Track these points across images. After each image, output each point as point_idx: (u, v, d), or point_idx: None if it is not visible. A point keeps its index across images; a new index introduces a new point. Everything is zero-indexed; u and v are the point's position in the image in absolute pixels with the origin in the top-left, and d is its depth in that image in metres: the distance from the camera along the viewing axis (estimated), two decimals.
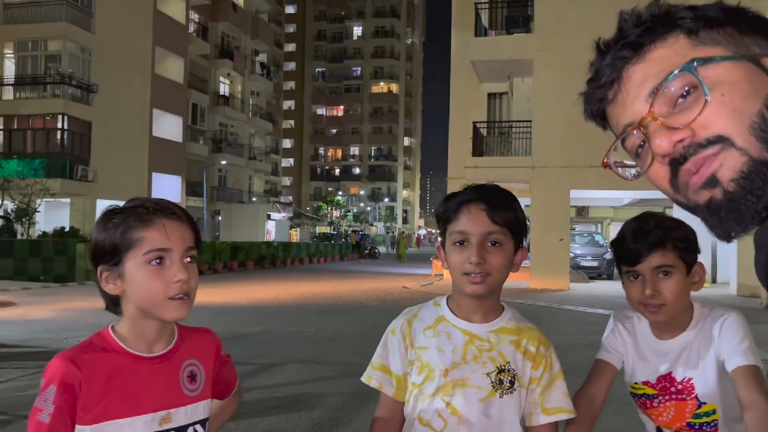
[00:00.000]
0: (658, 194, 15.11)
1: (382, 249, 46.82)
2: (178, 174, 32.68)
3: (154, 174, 30.25)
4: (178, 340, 1.27)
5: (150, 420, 1.19)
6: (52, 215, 24.31)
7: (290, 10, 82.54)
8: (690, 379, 1.52)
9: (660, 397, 1.56)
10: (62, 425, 1.11)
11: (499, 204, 1.36)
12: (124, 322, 1.22)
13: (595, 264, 21.26)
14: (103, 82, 26.34)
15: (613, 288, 17.16)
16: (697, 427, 1.51)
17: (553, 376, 1.41)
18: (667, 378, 1.55)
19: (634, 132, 0.72)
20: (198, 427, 1.26)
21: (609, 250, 25.86)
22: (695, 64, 0.66)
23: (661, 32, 0.70)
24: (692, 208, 0.70)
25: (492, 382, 1.35)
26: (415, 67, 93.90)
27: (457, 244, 1.36)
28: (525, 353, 1.39)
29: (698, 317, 1.54)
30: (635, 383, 1.62)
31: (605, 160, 0.78)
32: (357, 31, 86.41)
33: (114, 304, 1.23)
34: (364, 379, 1.46)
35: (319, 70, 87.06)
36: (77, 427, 1.13)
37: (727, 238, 0.68)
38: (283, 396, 5.25)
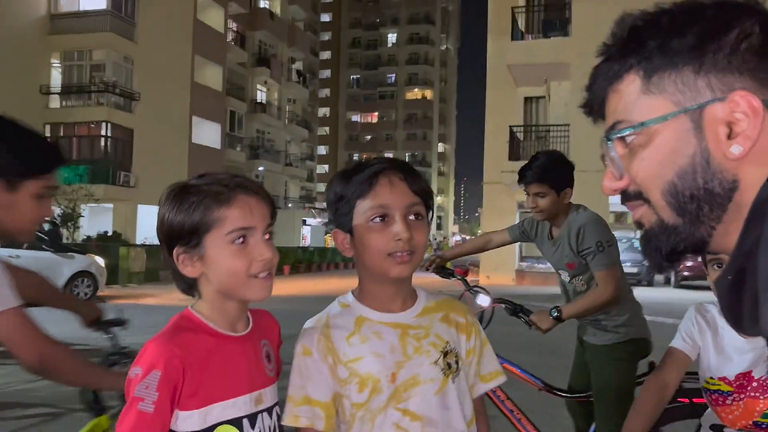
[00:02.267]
0: None
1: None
2: None
3: None
4: (254, 320, 1.21)
5: (248, 400, 1.13)
6: (95, 220, 24.96)
7: (326, 18, 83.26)
8: None
9: (735, 395, 1.51)
10: (165, 414, 1.02)
11: (413, 172, 1.20)
12: (204, 304, 1.14)
13: (634, 270, 20.85)
14: (144, 90, 26.98)
15: (653, 294, 16.84)
16: (764, 426, 1.47)
17: (483, 342, 1.31)
18: (747, 376, 1.50)
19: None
20: (277, 408, 1.20)
21: None
22: (609, 139, 0.70)
23: (624, 66, 0.70)
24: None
25: (442, 369, 1.20)
26: (450, 73, 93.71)
27: (377, 220, 1.14)
28: (457, 327, 1.27)
29: None
30: (710, 378, 1.55)
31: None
32: (391, 38, 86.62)
33: (190, 286, 1.15)
34: (288, 420, 1.19)
35: (354, 77, 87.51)
36: (182, 413, 1.05)
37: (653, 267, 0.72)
38: None
